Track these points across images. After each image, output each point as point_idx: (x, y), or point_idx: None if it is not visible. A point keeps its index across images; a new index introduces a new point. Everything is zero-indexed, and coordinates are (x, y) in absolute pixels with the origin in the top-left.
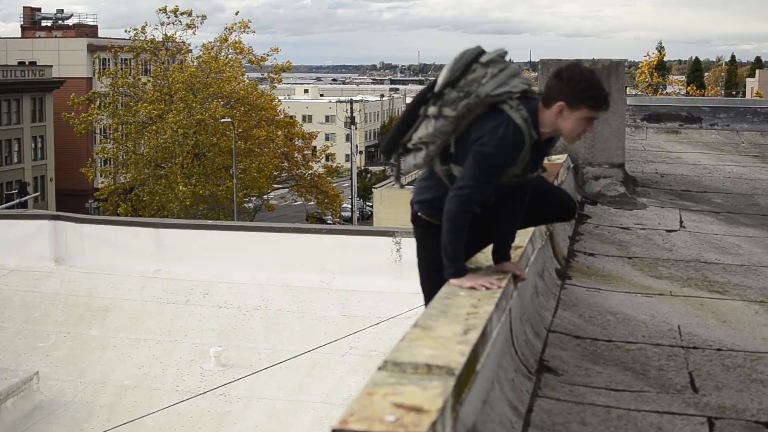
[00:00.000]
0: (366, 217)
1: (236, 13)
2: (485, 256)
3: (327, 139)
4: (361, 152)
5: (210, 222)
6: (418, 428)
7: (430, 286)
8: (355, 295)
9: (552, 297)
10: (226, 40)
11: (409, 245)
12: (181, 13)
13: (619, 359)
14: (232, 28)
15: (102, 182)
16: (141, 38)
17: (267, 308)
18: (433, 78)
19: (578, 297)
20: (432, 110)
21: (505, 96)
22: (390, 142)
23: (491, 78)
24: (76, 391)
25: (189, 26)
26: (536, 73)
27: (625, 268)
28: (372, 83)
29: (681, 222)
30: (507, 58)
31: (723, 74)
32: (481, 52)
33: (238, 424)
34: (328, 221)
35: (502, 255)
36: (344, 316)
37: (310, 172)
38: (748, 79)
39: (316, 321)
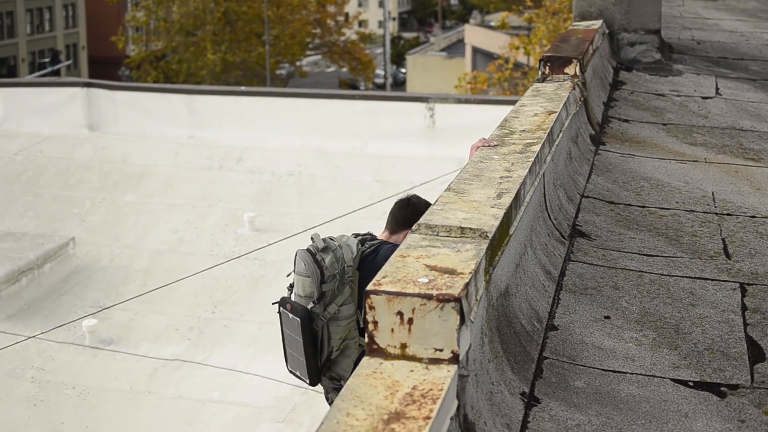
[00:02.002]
0: (399, 84)
1: None
2: None
3: (360, 5)
4: (394, 18)
5: (243, 88)
6: (451, 290)
7: None
8: (388, 161)
9: (586, 162)
10: None
11: (443, 111)
12: None
13: (652, 225)
14: None
15: (133, 50)
16: None
17: (300, 173)
18: None
19: (612, 163)
20: (328, 311)
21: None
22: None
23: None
24: (112, 255)
25: None
26: None
27: (659, 135)
28: None
29: (717, 89)
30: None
31: None
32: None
33: (272, 287)
34: (361, 87)
35: None
36: (377, 181)
37: (342, 38)
38: None
39: (349, 186)
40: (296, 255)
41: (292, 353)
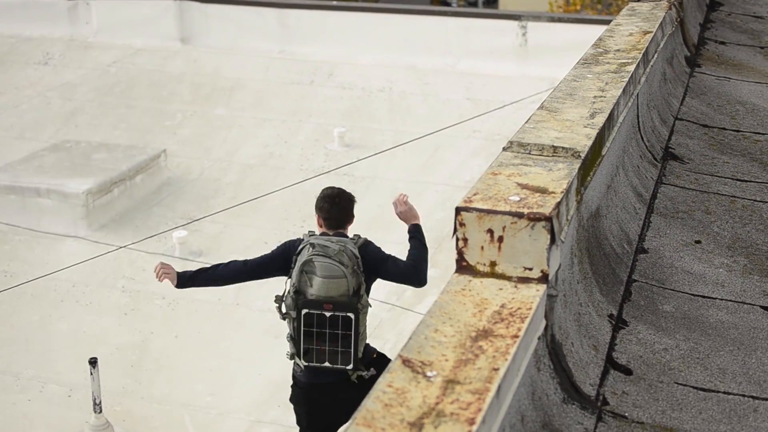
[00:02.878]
0: (491, 1)
1: None
2: None
3: None
4: None
5: (335, 3)
6: (542, 209)
7: None
8: (479, 79)
9: (680, 84)
10: None
11: (536, 29)
12: None
13: (746, 149)
14: None
15: None
16: None
17: (391, 90)
18: None
19: (707, 85)
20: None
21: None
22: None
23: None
24: (202, 168)
25: None
26: None
27: (756, 58)
28: None
29: None
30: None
31: None
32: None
33: (361, 203)
34: (453, 4)
35: None
36: (468, 99)
37: None
38: None
39: (439, 103)
40: (330, 261)
41: (326, 349)
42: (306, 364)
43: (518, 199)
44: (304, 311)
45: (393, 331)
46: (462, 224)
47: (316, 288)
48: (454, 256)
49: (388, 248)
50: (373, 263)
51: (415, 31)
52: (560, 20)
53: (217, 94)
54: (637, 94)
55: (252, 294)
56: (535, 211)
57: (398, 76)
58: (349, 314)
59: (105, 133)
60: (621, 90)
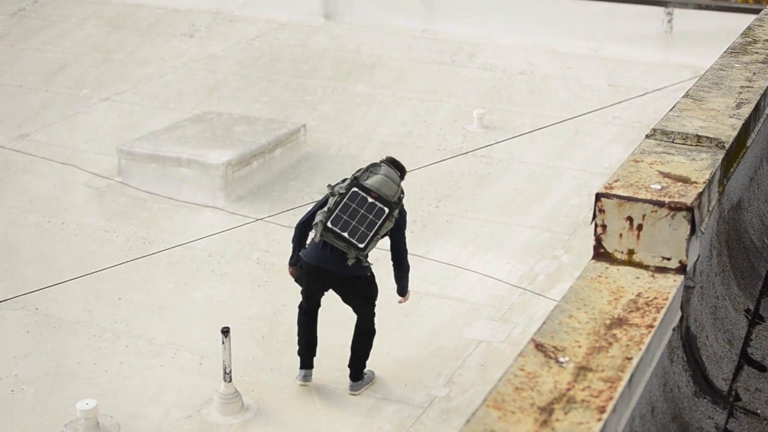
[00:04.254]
0: None
1: None
2: None
3: None
4: None
5: None
6: (684, 199)
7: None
8: (622, 65)
9: None
10: None
11: (682, 16)
12: None
13: None
14: None
15: None
16: None
17: (532, 73)
18: None
19: None
20: (394, 214)
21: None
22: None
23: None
24: (341, 144)
25: None
26: None
27: None
28: None
29: None
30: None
31: None
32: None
33: (497, 185)
34: None
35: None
36: (609, 85)
37: None
38: None
39: (580, 88)
40: (389, 174)
41: (353, 223)
42: (324, 235)
43: (660, 187)
44: (353, 189)
45: (524, 315)
46: (602, 210)
47: (373, 180)
48: (592, 242)
49: (521, 231)
50: (400, 209)
51: (558, 14)
52: (707, 8)
53: (358, 71)
54: None
55: (383, 271)
56: (676, 200)
57: (540, 59)
58: (385, 208)
59: (246, 106)
60: None
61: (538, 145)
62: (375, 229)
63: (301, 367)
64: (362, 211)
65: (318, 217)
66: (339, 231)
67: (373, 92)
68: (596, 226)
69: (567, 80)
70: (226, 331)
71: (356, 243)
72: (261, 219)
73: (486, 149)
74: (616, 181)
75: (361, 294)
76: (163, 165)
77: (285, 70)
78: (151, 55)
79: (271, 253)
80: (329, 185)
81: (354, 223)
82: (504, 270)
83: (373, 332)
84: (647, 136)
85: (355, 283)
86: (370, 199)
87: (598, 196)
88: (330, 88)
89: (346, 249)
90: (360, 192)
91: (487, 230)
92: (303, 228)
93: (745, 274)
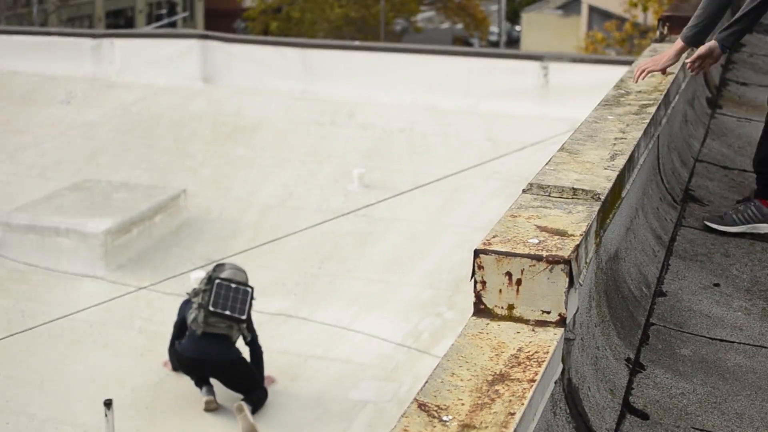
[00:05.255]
0: (513, 41)
1: None
2: None
3: None
4: None
5: (357, 43)
6: (561, 252)
7: None
8: (500, 119)
9: (701, 126)
10: None
11: (557, 70)
12: None
13: None
14: None
15: (251, 0)
16: None
17: (411, 130)
18: None
19: (728, 127)
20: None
21: None
22: None
23: None
24: (222, 208)
25: None
26: None
27: None
28: None
29: None
30: None
31: None
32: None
33: (379, 244)
34: (475, 45)
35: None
36: (488, 140)
37: None
38: None
39: (460, 144)
40: (234, 267)
41: (229, 303)
42: (206, 321)
43: (537, 241)
44: (217, 281)
45: (409, 374)
46: (480, 267)
47: (226, 274)
48: (472, 299)
49: (404, 289)
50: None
51: (436, 71)
52: (582, 61)
53: (238, 134)
54: (658, 136)
55: (268, 335)
56: (553, 253)
57: (419, 116)
58: (248, 288)
59: (125, 172)
60: (642, 131)
61: (419, 202)
62: (248, 304)
63: (201, 387)
64: (231, 294)
65: (193, 314)
66: (220, 310)
67: (254, 155)
68: (476, 282)
69: (446, 136)
70: (108, 404)
71: (238, 316)
72: (143, 288)
73: (367, 209)
74: (494, 236)
75: (241, 375)
76: (42, 235)
77: (164, 135)
78: (28, 123)
79: (153, 321)
80: (187, 292)
81: (230, 303)
82: (388, 329)
83: (265, 393)
84: (524, 191)
85: (233, 366)
86: (233, 285)
87: (477, 253)
88: (210, 152)
89: (227, 330)
90: (223, 282)
91: (370, 290)
92: (178, 339)
93: (625, 323)
